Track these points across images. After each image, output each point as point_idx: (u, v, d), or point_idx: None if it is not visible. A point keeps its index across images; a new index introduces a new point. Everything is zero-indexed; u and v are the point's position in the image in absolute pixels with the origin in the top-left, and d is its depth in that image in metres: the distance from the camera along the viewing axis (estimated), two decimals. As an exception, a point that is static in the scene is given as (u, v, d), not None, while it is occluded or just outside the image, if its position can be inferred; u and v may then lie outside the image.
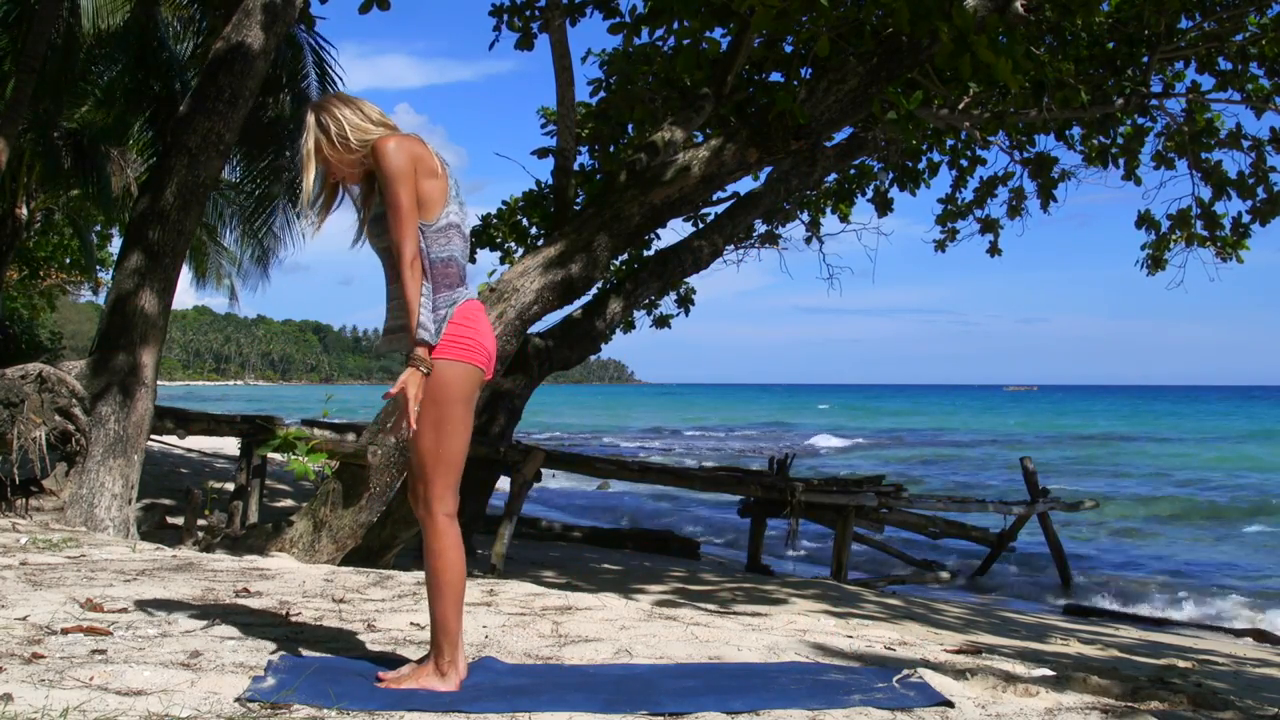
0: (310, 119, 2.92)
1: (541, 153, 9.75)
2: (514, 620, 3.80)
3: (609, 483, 21.69)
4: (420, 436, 2.81)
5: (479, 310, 2.93)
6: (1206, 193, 10.38)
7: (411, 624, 3.65)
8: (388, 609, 3.93)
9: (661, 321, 12.52)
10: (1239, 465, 30.83)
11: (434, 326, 2.80)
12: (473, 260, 10.87)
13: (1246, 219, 10.31)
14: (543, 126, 11.09)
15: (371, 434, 6.67)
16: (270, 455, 9.49)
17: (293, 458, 6.94)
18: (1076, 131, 10.57)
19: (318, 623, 3.61)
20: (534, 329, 7.95)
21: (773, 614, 5.42)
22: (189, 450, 14.05)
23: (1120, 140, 10.34)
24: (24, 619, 3.37)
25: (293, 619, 3.65)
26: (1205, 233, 10.54)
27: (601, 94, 9.57)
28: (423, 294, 2.80)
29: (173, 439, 11.06)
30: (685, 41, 7.07)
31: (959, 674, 3.12)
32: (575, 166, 8.87)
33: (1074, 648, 5.91)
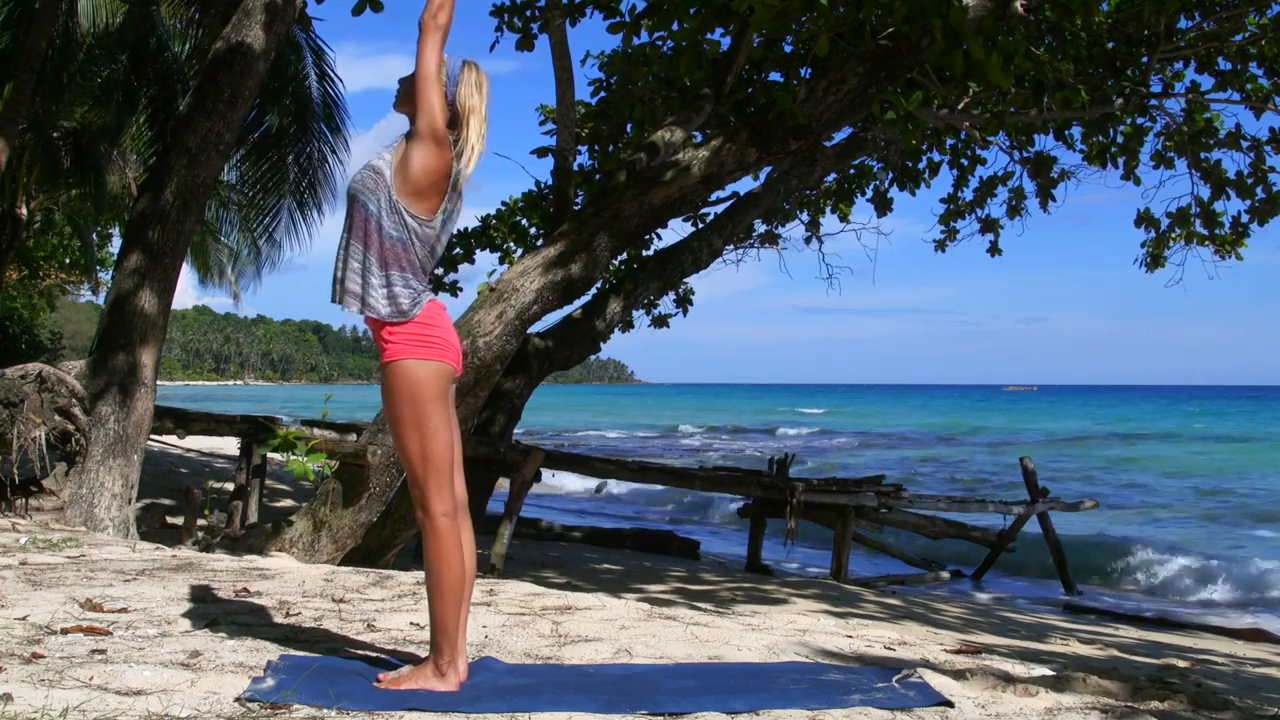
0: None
1: (541, 152, 9.75)
2: (514, 620, 3.80)
3: (607, 483, 21.66)
4: (404, 440, 2.83)
5: (441, 308, 2.96)
6: (1206, 192, 10.40)
7: (411, 624, 3.65)
8: (388, 609, 3.93)
9: (660, 321, 12.52)
10: (1240, 465, 30.84)
11: (387, 304, 2.84)
12: (471, 261, 10.87)
13: (1245, 218, 10.32)
14: (542, 124, 11.10)
15: (371, 434, 6.66)
16: (270, 455, 9.49)
17: (292, 458, 6.95)
18: (1076, 131, 10.57)
19: (317, 623, 3.61)
20: (534, 329, 7.95)
21: (773, 614, 5.42)
22: (189, 450, 14.05)
23: (1120, 140, 10.34)
24: (24, 619, 3.36)
25: (292, 619, 3.65)
26: (1204, 231, 10.54)
27: (601, 94, 9.58)
28: (380, 268, 2.84)
29: (172, 439, 11.05)
30: (685, 43, 7.07)
31: (959, 674, 3.12)
32: (575, 166, 8.87)
33: (1074, 648, 5.91)
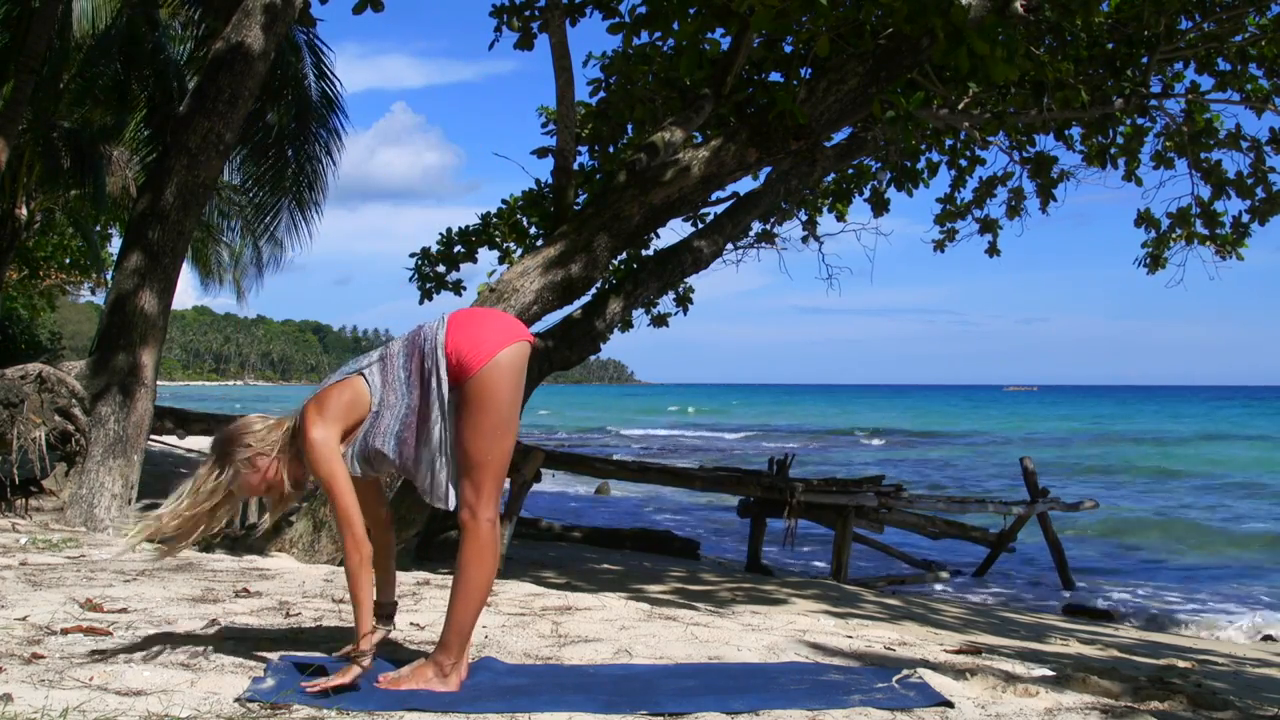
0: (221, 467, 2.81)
1: (541, 152, 9.74)
2: (514, 620, 3.80)
3: (608, 484, 21.66)
4: (470, 445, 2.75)
5: (463, 311, 2.89)
6: (1206, 192, 10.39)
7: (411, 624, 3.65)
8: (388, 609, 3.92)
9: (659, 320, 12.50)
10: (1240, 465, 30.84)
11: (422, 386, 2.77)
12: (473, 260, 10.86)
13: (1246, 218, 10.31)
14: (543, 126, 11.09)
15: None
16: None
17: (292, 458, 6.94)
18: (1076, 131, 10.56)
19: (317, 623, 3.61)
20: (534, 329, 7.95)
21: (773, 614, 5.42)
22: (189, 450, 14.05)
23: (1120, 140, 10.33)
24: (24, 619, 3.37)
25: (292, 619, 3.65)
26: (1205, 231, 10.53)
27: (601, 94, 9.57)
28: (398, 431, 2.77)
29: (173, 439, 11.06)
30: (684, 43, 7.07)
31: (959, 674, 3.12)
32: (575, 166, 8.86)
33: (1074, 648, 5.91)
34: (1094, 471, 28.99)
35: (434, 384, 2.76)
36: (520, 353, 2.81)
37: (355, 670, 2.67)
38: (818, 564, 13.16)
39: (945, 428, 54.39)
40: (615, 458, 15.24)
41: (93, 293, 27.29)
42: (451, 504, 2.79)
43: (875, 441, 44.16)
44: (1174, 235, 10.68)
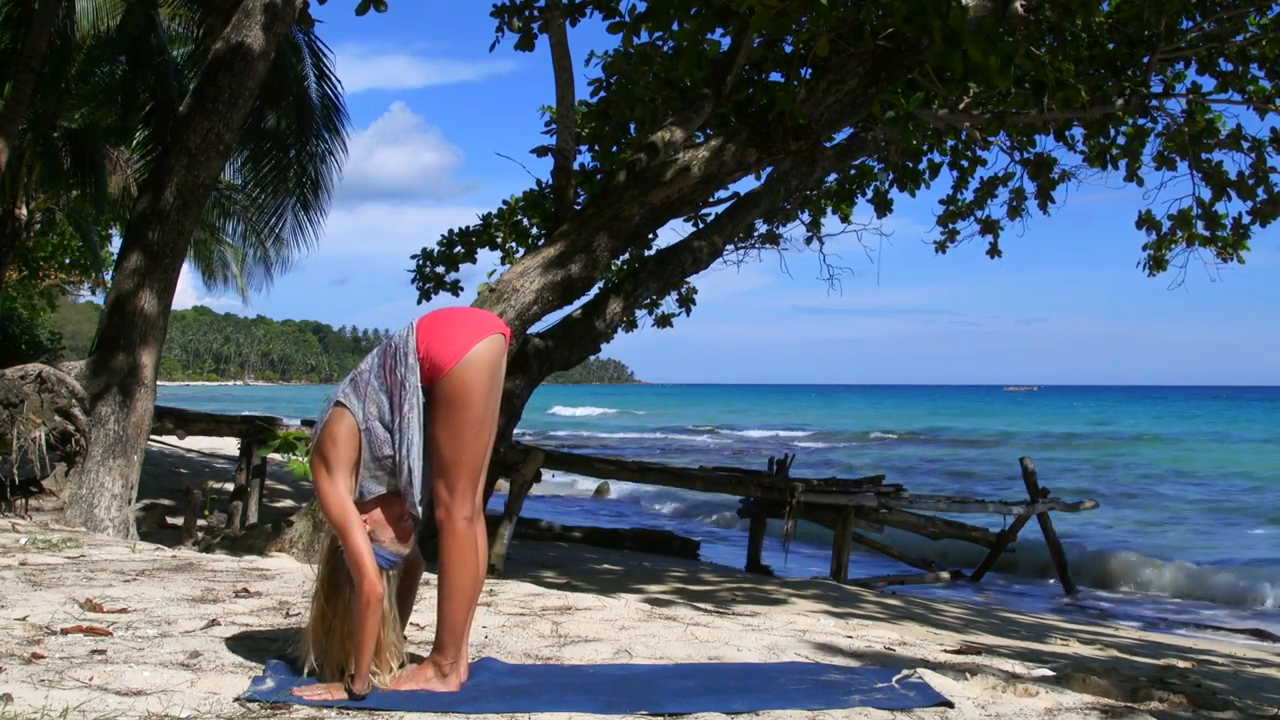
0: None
1: (541, 152, 9.75)
2: (514, 620, 3.80)
3: (608, 484, 21.67)
4: (444, 442, 2.74)
5: (431, 313, 2.86)
6: (1207, 193, 10.37)
7: (412, 624, 3.65)
8: (388, 609, 3.92)
9: (663, 320, 12.50)
10: (1239, 465, 30.82)
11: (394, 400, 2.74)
12: (472, 260, 10.87)
13: (1247, 220, 10.30)
14: (547, 125, 11.09)
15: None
16: (270, 455, 9.50)
17: (292, 458, 6.95)
18: (1077, 132, 10.55)
19: (318, 623, 3.60)
20: (534, 329, 7.94)
21: (772, 614, 5.42)
22: (189, 450, 14.06)
23: (1121, 141, 10.32)
24: (24, 619, 3.36)
25: (292, 619, 3.65)
26: (1206, 233, 10.52)
27: (602, 94, 9.57)
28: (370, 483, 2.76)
29: (173, 439, 11.07)
30: (685, 43, 7.07)
31: (959, 674, 3.12)
32: (575, 166, 8.86)
33: (1074, 648, 5.91)
34: (1091, 474, 28.97)
35: (407, 387, 2.74)
36: (494, 347, 2.76)
37: (343, 694, 2.65)
38: (815, 568, 13.16)
39: (942, 427, 54.39)
40: (615, 458, 15.25)
41: (93, 293, 27.37)
42: (418, 501, 2.76)
43: (818, 443, 43.85)
44: (1175, 237, 10.67)
